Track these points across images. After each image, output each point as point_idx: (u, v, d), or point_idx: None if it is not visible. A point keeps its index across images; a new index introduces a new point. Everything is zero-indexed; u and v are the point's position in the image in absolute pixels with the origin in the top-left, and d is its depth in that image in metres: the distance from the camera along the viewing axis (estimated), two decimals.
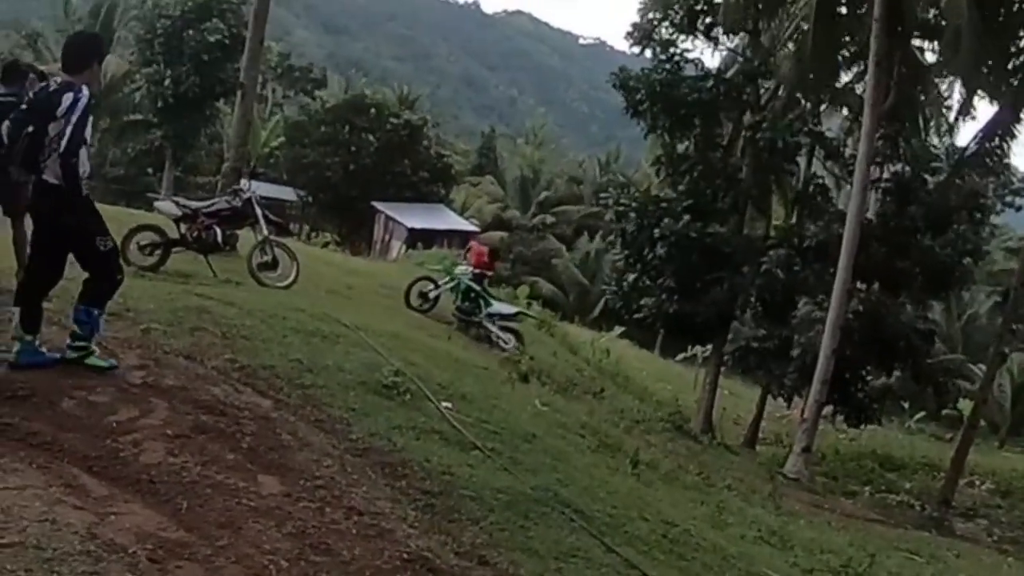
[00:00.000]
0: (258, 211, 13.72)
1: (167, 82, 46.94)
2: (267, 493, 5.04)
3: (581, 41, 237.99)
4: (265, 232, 13.62)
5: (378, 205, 49.58)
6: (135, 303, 8.37)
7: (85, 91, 6.76)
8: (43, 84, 7.29)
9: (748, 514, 11.78)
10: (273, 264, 13.53)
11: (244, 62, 19.82)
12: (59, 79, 6.92)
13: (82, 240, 6.78)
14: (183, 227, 13.28)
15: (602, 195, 47.50)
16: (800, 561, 9.78)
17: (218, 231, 13.25)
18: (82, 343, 6.69)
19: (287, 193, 51.06)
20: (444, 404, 8.07)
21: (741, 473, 19.92)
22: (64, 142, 6.57)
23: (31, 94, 7.16)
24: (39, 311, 6.67)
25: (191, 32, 46.73)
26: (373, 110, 52.19)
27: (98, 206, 6.87)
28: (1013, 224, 54.86)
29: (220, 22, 46.24)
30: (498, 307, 17.87)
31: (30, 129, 6.68)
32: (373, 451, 6.20)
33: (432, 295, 17.85)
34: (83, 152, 6.69)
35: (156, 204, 14.58)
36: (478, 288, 17.50)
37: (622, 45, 33.24)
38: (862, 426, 29.47)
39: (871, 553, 11.48)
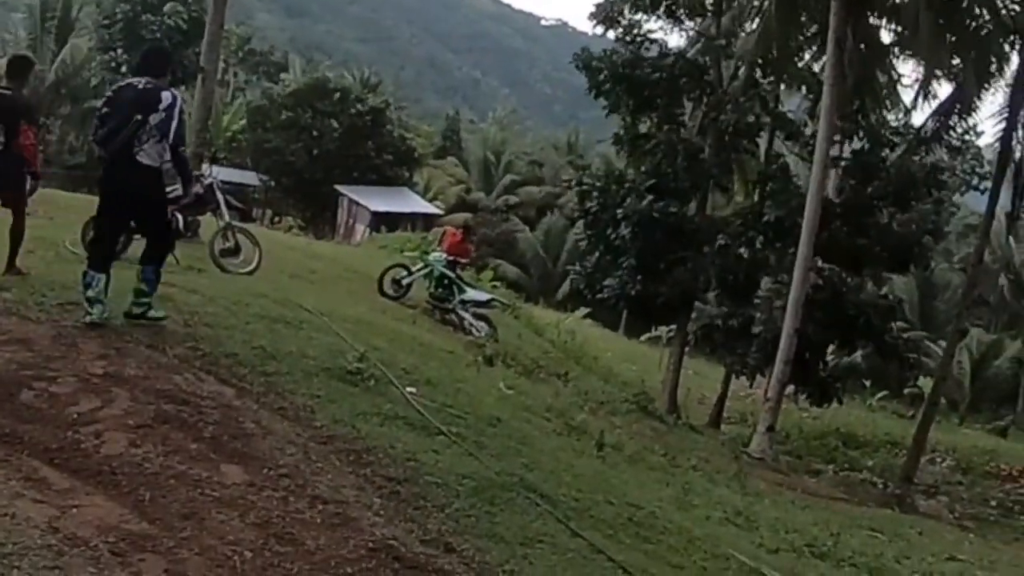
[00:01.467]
0: (220, 197, 13.58)
1: (124, 68, 46.35)
2: (230, 483, 5.00)
3: (544, 22, 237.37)
4: (227, 218, 13.49)
5: (341, 189, 49.31)
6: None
7: (176, 91, 8.24)
8: (129, 82, 8.37)
9: (714, 495, 11.85)
10: (235, 250, 13.42)
11: (204, 46, 19.59)
12: (143, 80, 8.14)
13: (161, 211, 8.63)
14: None
15: (565, 177, 47.64)
16: (766, 541, 9.82)
17: (179, 217, 13.08)
18: (146, 299, 7.97)
19: (249, 178, 50.66)
20: (408, 389, 8.05)
21: (706, 453, 19.98)
22: (172, 134, 7.98)
23: (119, 90, 8.29)
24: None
25: (150, 16, 46.16)
26: (337, 94, 51.88)
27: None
28: (980, 205, 55.52)
29: (180, 6, 45.70)
30: (472, 294, 17.84)
31: (138, 118, 7.83)
32: (337, 438, 6.17)
33: (405, 282, 17.89)
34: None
35: None
36: (452, 275, 17.51)
37: (585, 26, 33.29)
38: (825, 405, 29.66)
39: (835, 532, 11.57)
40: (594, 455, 9.49)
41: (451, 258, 17.82)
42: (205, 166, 16.52)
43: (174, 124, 8.01)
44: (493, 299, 18.87)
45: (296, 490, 5.13)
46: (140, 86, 8.11)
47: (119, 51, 47.01)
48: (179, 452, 5.17)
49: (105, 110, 8.26)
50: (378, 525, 5.00)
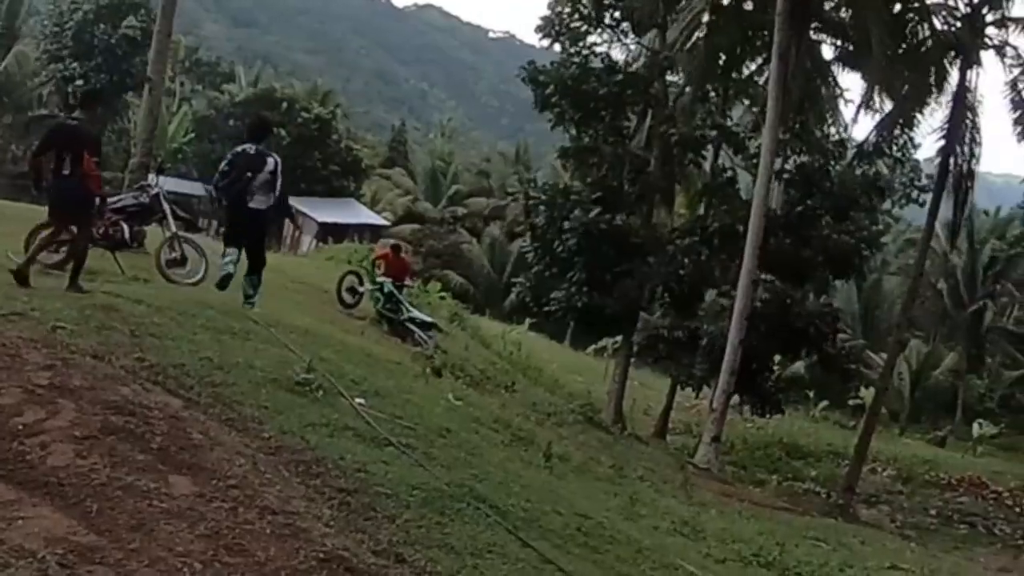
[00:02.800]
0: (166, 207, 13.48)
1: (79, 81, 45.82)
2: (179, 494, 4.95)
3: (491, 35, 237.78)
4: (173, 228, 13.40)
5: (288, 200, 48.77)
6: (41, 302, 8.16)
7: (276, 157, 12.10)
8: (243, 149, 12.04)
9: (660, 505, 11.93)
10: (182, 261, 13.32)
11: (151, 55, 19.46)
12: (253, 147, 11.99)
13: (261, 238, 12.44)
14: None
15: (511, 188, 47.71)
16: (712, 551, 9.92)
17: (125, 227, 12.96)
18: (253, 298, 12.05)
19: (195, 188, 50.12)
20: (357, 400, 8.02)
21: (652, 464, 20.08)
22: (278, 190, 11.99)
23: (236, 154, 12.01)
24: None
25: (102, 26, 45.67)
26: (284, 104, 51.57)
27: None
28: (919, 218, 56.34)
29: (134, 18, 45.25)
30: (417, 314, 18.51)
31: (248, 175, 11.64)
32: (286, 449, 6.12)
33: (360, 289, 18.91)
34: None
35: None
36: (398, 296, 18.29)
37: (532, 39, 33.42)
38: (768, 415, 29.98)
39: (780, 542, 11.69)
40: (542, 466, 9.51)
41: (398, 284, 18.59)
42: (151, 176, 16.36)
43: (278, 183, 11.94)
44: (435, 324, 19.29)
45: (245, 501, 5.09)
46: (252, 152, 11.90)
47: (69, 61, 46.37)
48: (126, 463, 5.11)
49: (225, 168, 11.97)
50: (329, 536, 4.97)
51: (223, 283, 12.09)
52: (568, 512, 7.64)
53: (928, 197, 28.95)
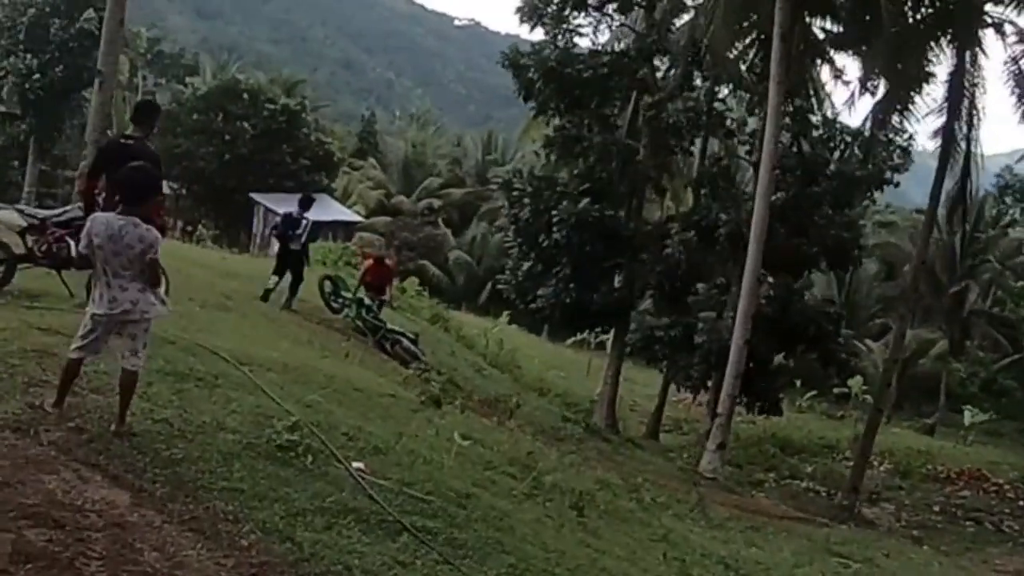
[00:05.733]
0: None
1: (36, 76, 44.00)
2: None
3: (457, 22, 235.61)
4: None
5: (256, 197, 46.90)
6: None
7: (308, 216, 17.39)
8: (290, 212, 17.51)
9: (693, 543, 10.59)
10: None
11: (102, 46, 17.53)
12: (298, 211, 17.30)
13: (302, 267, 17.24)
14: (30, 240, 11.29)
15: (493, 179, 46.37)
16: None
17: (72, 243, 11.14)
18: (291, 300, 17.14)
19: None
20: (355, 465, 6.43)
21: (659, 476, 19.18)
22: (304, 238, 17.08)
23: (286, 215, 17.58)
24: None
25: (57, 21, 43.91)
26: (246, 96, 49.84)
27: None
28: (892, 199, 55.52)
29: (92, 12, 43.39)
30: (395, 328, 18.25)
31: (290, 232, 16.94)
32: (272, 566, 4.46)
33: (335, 306, 18.74)
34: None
35: None
36: (376, 311, 18.07)
37: (497, 26, 31.80)
38: (767, 416, 29.11)
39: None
40: (575, 522, 8.02)
41: (379, 299, 18.39)
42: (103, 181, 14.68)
43: (306, 234, 17.09)
44: (416, 341, 18.44)
45: None
46: (294, 215, 17.19)
47: (26, 55, 44.51)
48: None
49: (278, 220, 17.93)
50: None
51: (265, 296, 16.93)
52: None
53: (902, 179, 28.48)
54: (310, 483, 5.86)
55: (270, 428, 6.51)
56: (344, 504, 5.65)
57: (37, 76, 44.39)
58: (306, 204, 17.60)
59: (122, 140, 9.95)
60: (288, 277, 17.09)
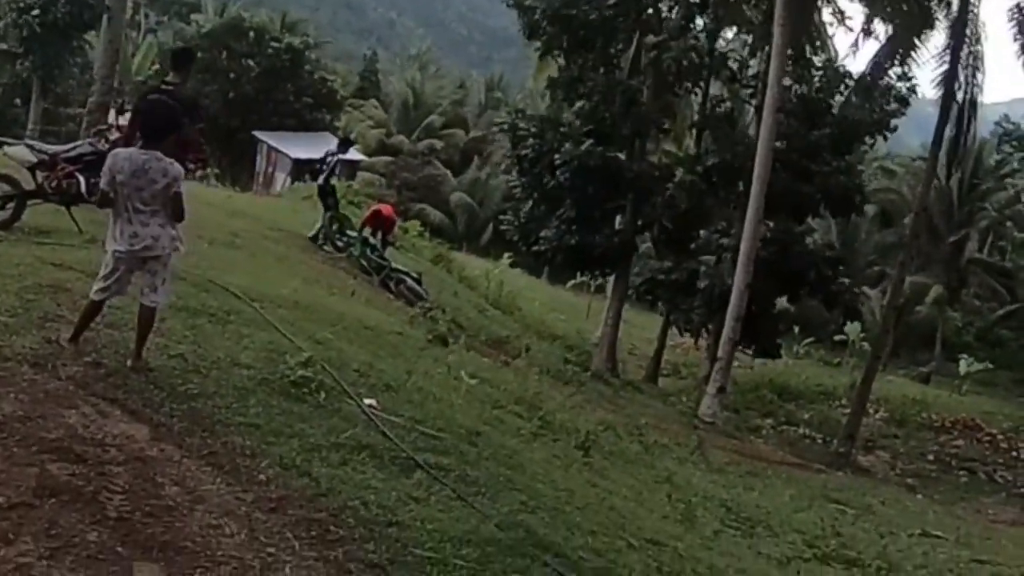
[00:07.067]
0: None
1: (35, 12, 43.38)
2: None
3: None
4: None
5: (260, 135, 46.68)
6: None
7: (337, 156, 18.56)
8: (330, 149, 19.06)
9: (696, 486, 10.72)
10: None
11: None
12: (336, 149, 19.12)
13: (325, 200, 18.54)
14: (40, 176, 11.21)
15: (497, 120, 46.01)
16: (771, 549, 8.73)
17: (81, 179, 11.05)
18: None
19: None
20: (368, 402, 6.47)
21: (660, 420, 19.27)
22: (326, 174, 18.17)
23: (327, 152, 18.86)
24: None
25: None
26: (252, 34, 49.37)
27: None
28: (889, 146, 55.23)
29: None
30: (399, 268, 18.02)
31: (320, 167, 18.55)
32: (291, 501, 4.52)
33: (340, 244, 18.38)
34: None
35: (6, 150, 12.33)
36: (380, 250, 17.91)
37: None
38: (766, 360, 29.13)
39: (833, 527, 10.55)
40: (581, 462, 8.09)
41: (384, 239, 18.32)
42: (112, 116, 14.57)
43: (328, 170, 18.12)
44: (420, 280, 18.18)
45: None
46: (335, 150, 18.84)
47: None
48: (71, 550, 3.59)
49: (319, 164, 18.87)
50: None
51: (315, 237, 18.07)
52: (637, 538, 6.25)
53: (900, 124, 28.23)
54: (324, 419, 5.90)
55: (283, 364, 6.55)
56: (358, 440, 5.70)
57: (37, 12, 43.76)
58: (345, 145, 19.45)
59: (162, 87, 9.73)
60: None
